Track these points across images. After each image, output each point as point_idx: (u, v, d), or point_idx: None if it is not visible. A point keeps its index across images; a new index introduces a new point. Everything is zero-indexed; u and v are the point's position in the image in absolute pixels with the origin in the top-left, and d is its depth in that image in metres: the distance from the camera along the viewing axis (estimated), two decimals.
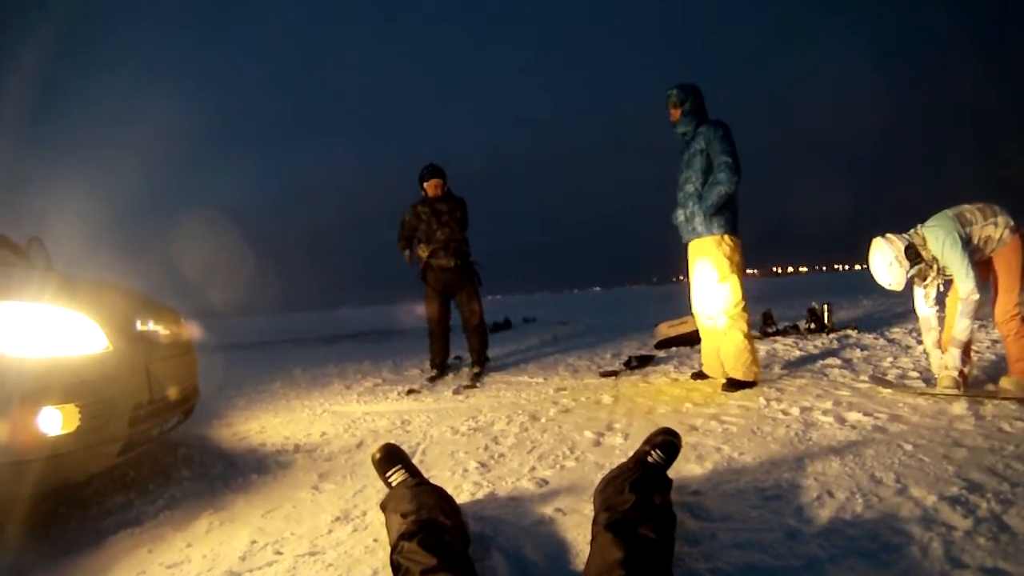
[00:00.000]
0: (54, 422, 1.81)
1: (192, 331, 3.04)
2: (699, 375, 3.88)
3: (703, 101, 3.67)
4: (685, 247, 3.76)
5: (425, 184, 4.97)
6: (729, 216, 3.51)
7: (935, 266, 2.93)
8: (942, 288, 3.05)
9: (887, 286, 3.00)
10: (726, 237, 3.50)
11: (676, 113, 3.67)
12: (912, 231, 2.98)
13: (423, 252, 4.92)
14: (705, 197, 3.48)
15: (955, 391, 2.85)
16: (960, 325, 2.86)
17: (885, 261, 2.94)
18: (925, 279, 2.99)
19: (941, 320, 3.10)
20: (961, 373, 2.92)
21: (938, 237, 2.86)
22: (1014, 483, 1.77)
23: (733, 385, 3.45)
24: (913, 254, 2.91)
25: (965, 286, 2.80)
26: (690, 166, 3.59)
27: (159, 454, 2.87)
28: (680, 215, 3.68)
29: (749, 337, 3.49)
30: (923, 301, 3.09)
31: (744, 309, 3.50)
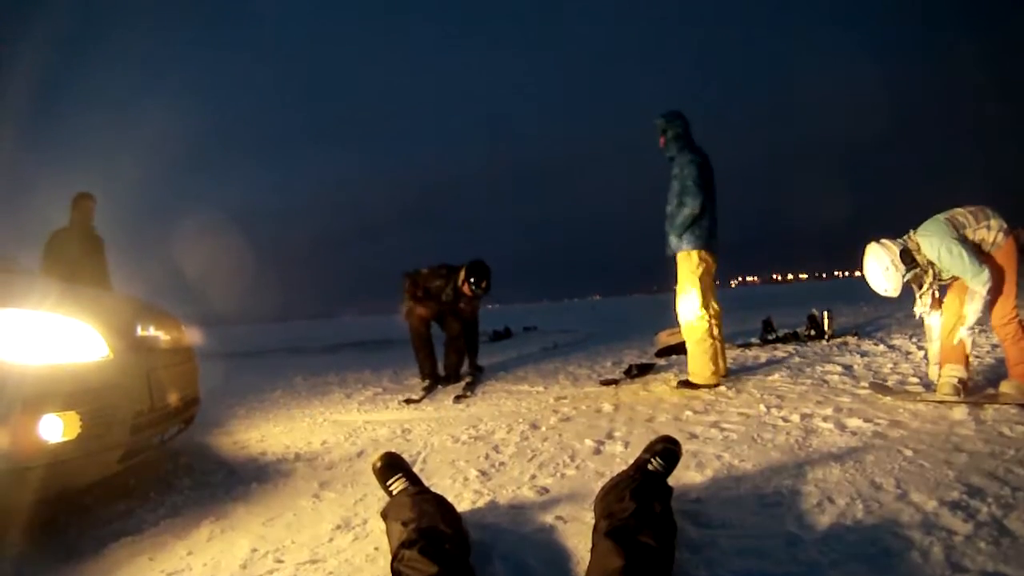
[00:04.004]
0: (55, 429, 1.81)
1: (193, 339, 3.05)
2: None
3: (687, 126, 3.98)
4: (673, 260, 4.01)
5: (472, 280, 4.90)
6: (699, 234, 3.81)
7: (930, 271, 2.93)
8: (937, 294, 3.05)
9: (883, 292, 3.00)
10: (694, 253, 3.82)
11: (662, 140, 4.02)
12: (906, 237, 2.98)
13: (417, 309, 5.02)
14: (674, 218, 3.86)
15: (955, 397, 2.85)
16: (975, 307, 2.81)
17: (880, 266, 2.94)
18: (921, 285, 2.99)
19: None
20: (960, 379, 2.92)
21: (932, 244, 2.86)
22: (1015, 487, 1.77)
23: (685, 384, 3.80)
24: (908, 259, 2.92)
25: (979, 280, 2.76)
26: (670, 189, 3.94)
27: (160, 462, 2.87)
28: (666, 234, 3.99)
29: (705, 347, 3.78)
30: (924, 308, 3.09)
31: (702, 319, 3.79)
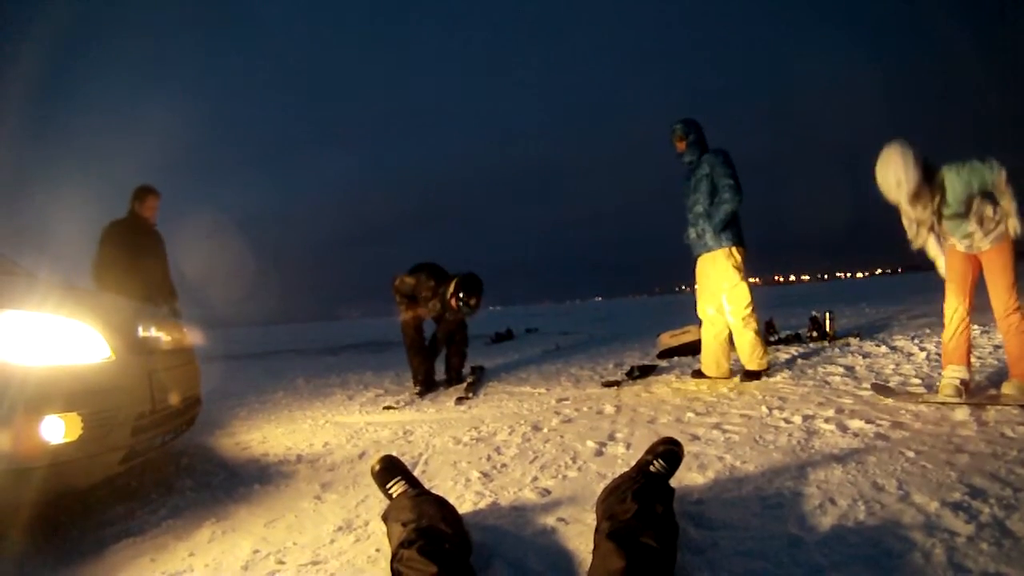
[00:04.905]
0: (57, 430, 1.81)
1: (194, 340, 3.05)
2: (697, 373, 4.27)
3: (703, 131, 4.15)
4: (694, 261, 4.21)
5: (456, 295, 4.63)
6: (736, 230, 4.00)
7: (936, 199, 2.87)
8: (936, 231, 3.00)
9: (895, 187, 2.83)
10: (734, 249, 3.99)
11: (681, 145, 4.15)
12: None
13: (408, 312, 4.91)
14: (713, 215, 3.97)
15: (957, 398, 2.85)
16: (1009, 195, 2.79)
17: (903, 159, 2.79)
18: (924, 211, 2.93)
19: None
20: (962, 380, 2.93)
21: (951, 166, 2.84)
22: (1017, 488, 1.77)
23: (749, 376, 3.96)
24: (927, 171, 2.84)
25: (1000, 174, 2.76)
26: (697, 189, 4.07)
27: (161, 464, 2.87)
28: (692, 233, 4.14)
29: (759, 334, 3.99)
30: (924, 239, 3.09)
31: (753, 311, 3.98)
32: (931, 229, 3.02)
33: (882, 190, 2.90)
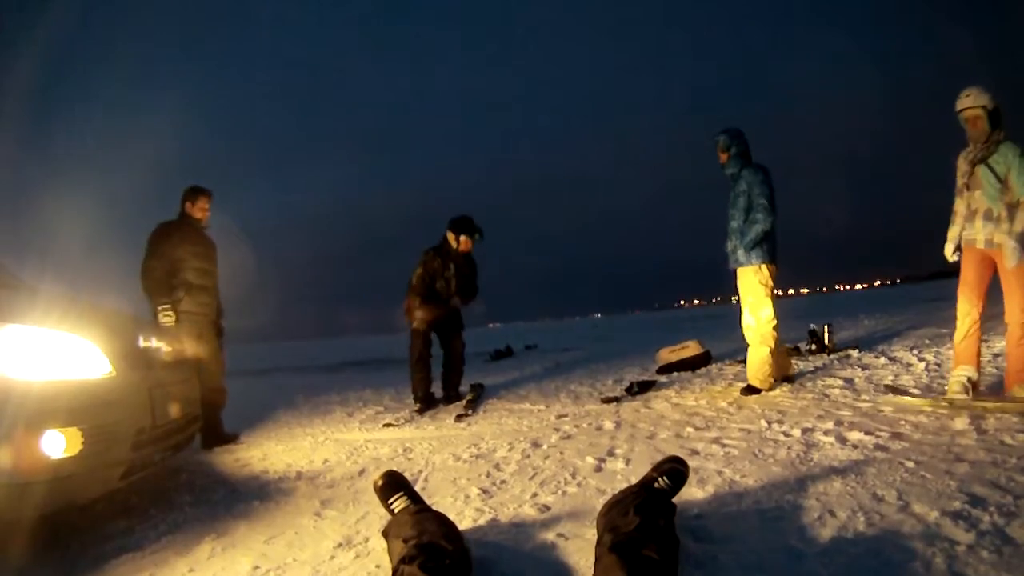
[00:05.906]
0: (57, 445, 1.82)
1: (194, 354, 3.06)
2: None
3: (747, 143, 4.15)
4: (733, 272, 4.27)
5: (461, 237, 4.80)
6: (767, 248, 4.03)
7: (988, 143, 3.00)
8: (969, 175, 3.11)
9: (966, 95, 3.05)
10: (763, 267, 4.03)
11: (724, 157, 4.16)
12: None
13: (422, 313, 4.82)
14: (745, 233, 4.03)
15: (964, 396, 2.94)
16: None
17: (982, 88, 3.01)
18: (975, 145, 3.06)
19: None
20: (970, 379, 3.00)
21: (1015, 143, 2.96)
22: (1017, 495, 1.78)
23: (749, 390, 4.01)
24: (995, 117, 3.01)
25: None
26: (735, 205, 4.12)
27: (161, 479, 2.87)
28: (728, 245, 4.20)
29: (773, 353, 4.02)
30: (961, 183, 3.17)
31: (774, 328, 4.03)
32: (972, 170, 3.09)
33: (958, 100, 3.08)
